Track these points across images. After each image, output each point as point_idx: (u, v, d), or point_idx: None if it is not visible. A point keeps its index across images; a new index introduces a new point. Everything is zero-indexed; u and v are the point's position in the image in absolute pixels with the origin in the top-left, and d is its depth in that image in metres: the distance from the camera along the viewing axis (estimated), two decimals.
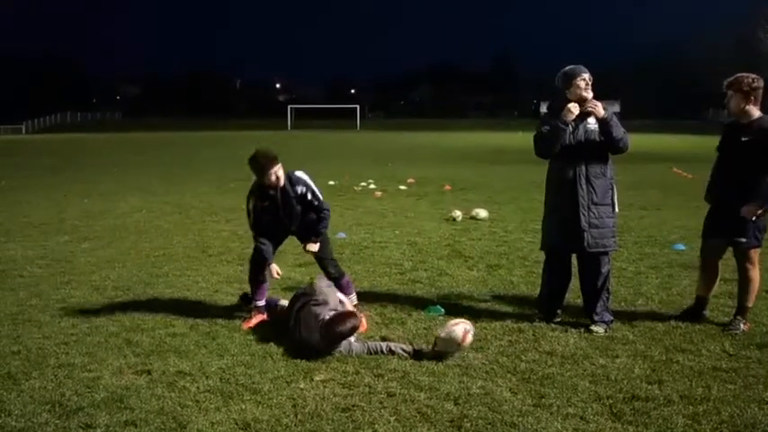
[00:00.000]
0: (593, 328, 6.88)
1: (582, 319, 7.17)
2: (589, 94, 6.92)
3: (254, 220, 7.26)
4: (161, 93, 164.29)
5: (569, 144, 6.92)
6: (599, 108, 6.82)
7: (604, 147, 6.97)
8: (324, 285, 7.10)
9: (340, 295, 7.10)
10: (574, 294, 7.96)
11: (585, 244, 6.92)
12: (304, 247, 7.34)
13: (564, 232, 6.99)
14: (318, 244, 7.29)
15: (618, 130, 6.87)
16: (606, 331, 6.85)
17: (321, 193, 7.37)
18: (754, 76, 6.78)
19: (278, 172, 7.04)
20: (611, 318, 7.04)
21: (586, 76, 6.93)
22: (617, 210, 7.14)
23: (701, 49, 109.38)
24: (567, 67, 7.06)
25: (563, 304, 7.39)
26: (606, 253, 7.05)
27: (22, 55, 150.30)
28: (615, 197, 7.11)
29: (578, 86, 6.90)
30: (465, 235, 12.41)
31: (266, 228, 7.28)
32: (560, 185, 6.99)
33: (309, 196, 7.22)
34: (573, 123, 6.90)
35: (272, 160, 7.04)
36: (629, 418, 4.95)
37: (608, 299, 7.09)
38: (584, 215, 6.88)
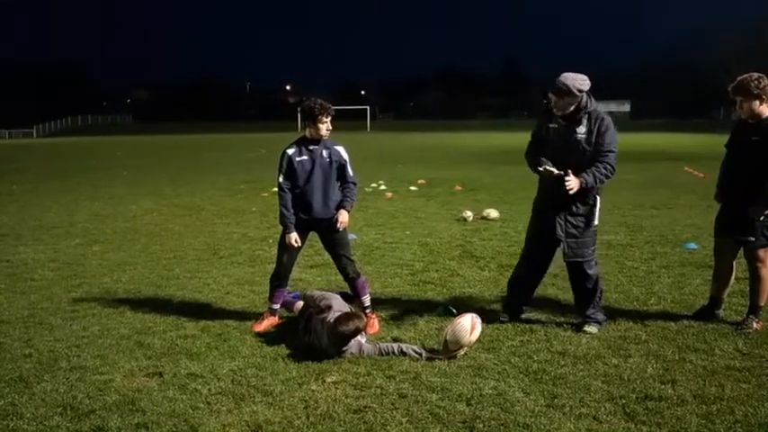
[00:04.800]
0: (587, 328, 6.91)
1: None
2: (557, 112, 6.86)
3: (286, 173, 7.08)
4: (171, 96, 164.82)
5: (555, 149, 6.92)
6: (575, 187, 6.65)
7: (588, 155, 6.84)
8: (322, 292, 7.13)
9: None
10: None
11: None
12: (334, 226, 7.13)
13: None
14: (347, 215, 7.18)
15: (596, 181, 6.73)
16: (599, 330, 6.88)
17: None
18: (756, 75, 6.68)
19: (329, 124, 7.05)
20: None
21: (551, 96, 6.86)
22: None
23: (712, 47, 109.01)
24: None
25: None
26: None
27: (33, 59, 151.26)
28: None
29: (549, 99, 6.93)
30: (476, 235, 12.39)
31: (294, 190, 7.10)
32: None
33: (348, 165, 7.19)
34: (560, 127, 6.92)
35: (329, 110, 7.04)
36: (643, 418, 4.93)
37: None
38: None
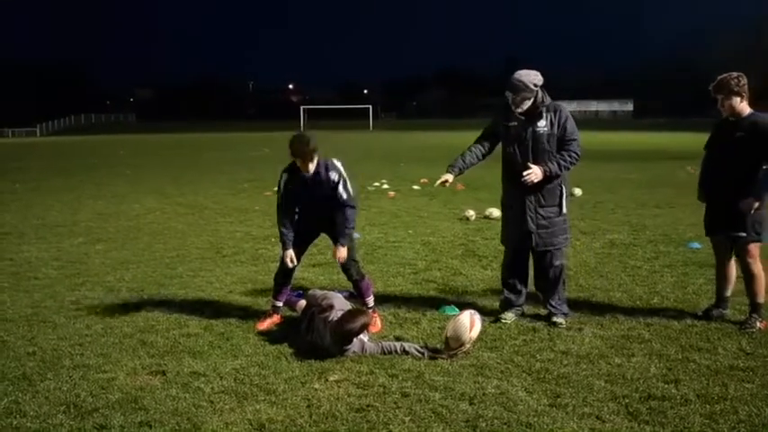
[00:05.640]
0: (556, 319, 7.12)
1: (597, 318, 7.18)
2: (516, 109, 6.97)
3: (283, 195, 7.08)
4: (174, 96, 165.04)
5: (518, 146, 7.05)
6: (535, 179, 6.85)
7: (552, 149, 7.01)
8: (324, 292, 7.16)
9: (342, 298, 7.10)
10: (586, 294, 7.95)
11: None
12: (334, 253, 7.17)
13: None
14: (345, 249, 7.09)
15: (561, 168, 6.94)
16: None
17: (353, 190, 7.13)
18: (735, 74, 6.84)
19: (309, 163, 6.91)
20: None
21: (508, 94, 6.95)
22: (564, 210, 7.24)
23: (712, 47, 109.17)
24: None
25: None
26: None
27: (35, 59, 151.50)
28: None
29: (507, 97, 7.01)
30: (479, 234, 12.39)
31: (293, 210, 7.10)
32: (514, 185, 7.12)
33: (340, 187, 7.00)
34: (520, 124, 7.02)
35: (310, 151, 6.85)
36: (646, 418, 4.92)
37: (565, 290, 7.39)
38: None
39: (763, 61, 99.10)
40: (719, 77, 6.89)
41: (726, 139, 6.97)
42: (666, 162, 30.56)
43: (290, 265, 7.12)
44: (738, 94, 6.79)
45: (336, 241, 7.09)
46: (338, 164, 7.11)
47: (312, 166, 6.93)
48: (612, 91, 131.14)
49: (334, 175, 7.00)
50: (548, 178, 6.91)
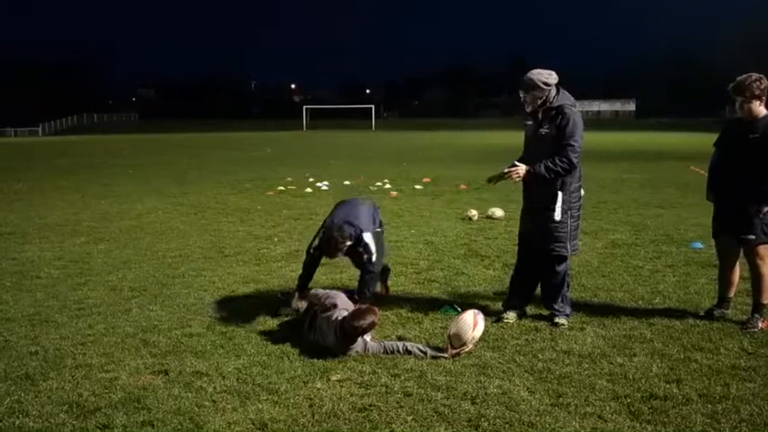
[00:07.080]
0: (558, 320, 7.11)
1: (599, 318, 7.18)
2: (527, 108, 6.99)
3: (309, 262, 7.59)
4: (176, 95, 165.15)
5: (526, 145, 7.23)
6: (517, 175, 6.91)
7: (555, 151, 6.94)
8: (326, 291, 7.21)
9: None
10: (588, 293, 7.95)
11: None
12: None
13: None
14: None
15: (547, 172, 6.82)
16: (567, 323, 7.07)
17: (378, 259, 7.44)
18: (755, 76, 6.73)
19: (344, 250, 7.33)
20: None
21: (521, 92, 6.96)
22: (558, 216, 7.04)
23: (717, 47, 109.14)
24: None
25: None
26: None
27: (37, 58, 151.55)
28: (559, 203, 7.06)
29: (520, 97, 7.05)
30: (481, 234, 12.39)
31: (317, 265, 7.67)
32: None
33: (365, 256, 7.35)
34: (532, 123, 7.09)
35: (341, 249, 7.28)
36: (648, 417, 4.93)
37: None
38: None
39: (765, 60, 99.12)
40: (739, 79, 6.77)
41: (738, 140, 6.92)
42: (669, 162, 30.56)
43: (295, 307, 7.48)
44: (759, 97, 6.70)
45: (358, 298, 7.40)
46: (368, 239, 7.37)
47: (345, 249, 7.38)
48: (616, 90, 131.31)
49: (360, 250, 7.36)
50: (544, 180, 6.86)
